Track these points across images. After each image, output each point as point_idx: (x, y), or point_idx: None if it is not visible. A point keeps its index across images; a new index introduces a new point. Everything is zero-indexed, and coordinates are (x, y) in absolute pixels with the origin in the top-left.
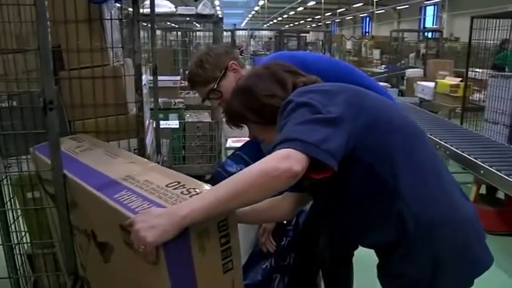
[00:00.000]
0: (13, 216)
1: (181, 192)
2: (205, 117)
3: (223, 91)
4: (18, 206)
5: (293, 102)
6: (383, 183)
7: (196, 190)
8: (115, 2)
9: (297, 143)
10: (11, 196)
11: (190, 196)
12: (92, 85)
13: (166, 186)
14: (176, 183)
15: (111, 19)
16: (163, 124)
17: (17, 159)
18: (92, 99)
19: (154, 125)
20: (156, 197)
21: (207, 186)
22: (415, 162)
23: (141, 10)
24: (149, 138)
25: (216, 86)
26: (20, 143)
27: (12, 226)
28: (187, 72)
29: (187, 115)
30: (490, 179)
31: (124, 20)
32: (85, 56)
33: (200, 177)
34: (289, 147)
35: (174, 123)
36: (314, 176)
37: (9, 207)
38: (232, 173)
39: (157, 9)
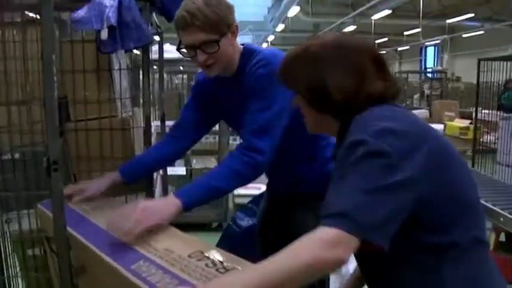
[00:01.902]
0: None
1: (206, 265)
2: (212, 162)
3: (220, 50)
4: (17, 263)
5: (365, 145)
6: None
7: (223, 263)
8: (125, 51)
9: (352, 224)
10: (10, 252)
11: (217, 269)
12: (99, 137)
13: (189, 256)
14: (199, 253)
15: (120, 69)
16: (169, 171)
17: (18, 214)
18: (99, 151)
19: (161, 172)
20: (179, 270)
21: (231, 256)
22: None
23: None
24: (158, 191)
25: (218, 39)
26: (21, 196)
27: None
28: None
29: (194, 160)
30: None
31: (131, 65)
32: (92, 107)
33: (206, 225)
34: (341, 228)
35: (180, 170)
36: (361, 248)
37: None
38: (244, 227)
39: (166, 55)
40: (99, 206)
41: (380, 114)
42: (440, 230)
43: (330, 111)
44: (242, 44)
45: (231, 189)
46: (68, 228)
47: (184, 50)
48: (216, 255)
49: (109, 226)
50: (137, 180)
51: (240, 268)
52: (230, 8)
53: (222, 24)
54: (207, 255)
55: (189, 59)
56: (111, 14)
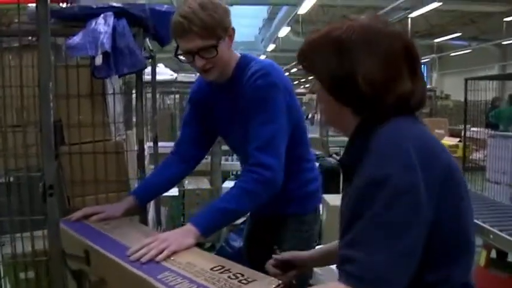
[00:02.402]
0: None
1: (229, 277)
2: (205, 183)
3: (218, 55)
4: (8, 287)
5: (389, 185)
6: None
7: (245, 276)
8: (119, 76)
9: (368, 284)
10: (2, 276)
11: (239, 281)
12: (93, 160)
13: (211, 269)
14: (220, 266)
15: (114, 93)
16: None
17: (11, 237)
18: (93, 175)
19: None
20: (203, 279)
21: (251, 270)
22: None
23: None
24: (151, 214)
25: (216, 45)
26: (15, 220)
27: None
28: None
29: (186, 181)
30: (502, 244)
31: (124, 87)
32: (86, 131)
33: (200, 245)
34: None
35: (173, 191)
36: None
37: None
38: (237, 248)
39: (158, 77)
40: (118, 226)
41: (408, 135)
42: (436, 268)
43: (352, 103)
44: (240, 53)
45: (246, 210)
46: (89, 242)
47: (182, 57)
48: (237, 269)
49: (131, 256)
50: (150, 201)
51: (259, 280)
52: (227, 12)
53: (219, 28)
54: (228, 268)
55: (188, 66)
56: (106, 40)
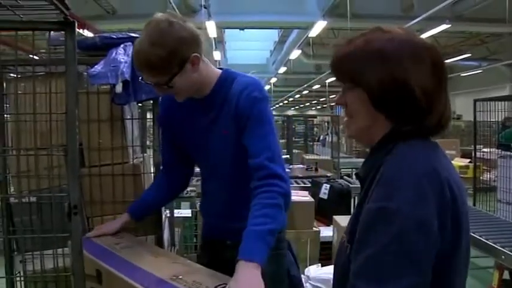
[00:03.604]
0: None
1: None
2: None
3: (175, 86)
4: None
5: (402, 216)
6: None
7: None
8: (137, 103)
9: None
10: None
11: None
12: (112, 182)
13: (216, 287)
14: (224, 284)
15: (132, 118)
16: (175, 213)
17: (32, 255)
18: (112, 196)
19: (168, 214)
20: None
21: None
22: None
23: None
24: (166, 234)
25: (168, 82)
26: (37, 238)
27: None
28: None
29: (199, 202)
30: None
31: (140, 110)
32: (106, 154)
33: None
34: None
35: (186, 212)
36: None
37: None
38: None
39: None
40: (129, 246)
41: (419, 161)
42: None
43: (399, 113)
44: (221, 68)
45: (281, 224)
46: (100, 262)
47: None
48: None
49: None
50: (145, 218)
51: None
52: (183, 41)
53: (169, 65)
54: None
55: None
56: (125, 70)
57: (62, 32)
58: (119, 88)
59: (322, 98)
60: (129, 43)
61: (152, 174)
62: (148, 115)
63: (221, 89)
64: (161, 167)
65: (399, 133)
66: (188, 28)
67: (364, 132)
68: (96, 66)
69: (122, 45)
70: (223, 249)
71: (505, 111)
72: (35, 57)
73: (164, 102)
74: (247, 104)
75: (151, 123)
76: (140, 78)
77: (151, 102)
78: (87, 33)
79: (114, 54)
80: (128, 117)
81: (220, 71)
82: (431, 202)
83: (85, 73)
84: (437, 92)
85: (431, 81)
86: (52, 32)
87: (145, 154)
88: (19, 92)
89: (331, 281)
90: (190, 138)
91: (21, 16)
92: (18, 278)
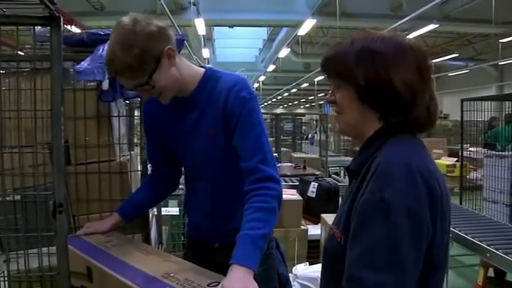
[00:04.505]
0: None
1: None
2: None
3: (157, 84)
4: None
5: (396, 206)
6: None
7: None
8: (124, 100)
9: None
10: None
11: None
12: (98, 180)
13: (208, 285)
14: (217, 282)
15: (119, 116)
16: (163, 211)
17: (17, 254)
18: (98, 194)
19: (155, 212)
20: None
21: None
22: None
23: None
24: (153, 232)
25: (148, 80)
26: (21, 237)
27: None
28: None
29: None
30: (498, 262)
31: (127, 108)
32: (92, 152)
33: None
34: None
35: (174, 210)
36: None
37: None
38: None
39: None
40: (120, 244)
41: (411, 156)
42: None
43: (385, 108)
44: (202, 66)
45: (273, 227)
46: (91, 260)
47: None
48: None
49: None
50: (136, 218)
51: None
52: (152, 37)
53: (146, 61)
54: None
55: None
56: None
57: (48, 28)
58: (105, 85)
59: (310, 96)
60: None
61: (139, 172)
62: (136, 112)
63: (205, 87)
64: (149, 167)
65: (389, 129)
66: (154, 23)
67: (354, 128)
68: (82, 63)
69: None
70: (210, 251)
71: (491, 111)
72: (20, 52)
73: (147, 105)
74: (236, 103)
75: (139, 121)
76: (120, 85)
77: (139, 99)
78: (75, 30)
79: (101, 50)
80: (115, 114)
81: (203, 69)
82: (424, 194)
83: (71, 69)
84: (420, 85)
85: (414, 76)
86: (38, 27)
87: (132, 152)
88: (3, 88)
89: (319, 280)
90: (174, 138)
91: (5, 10)
92: (1, 278)
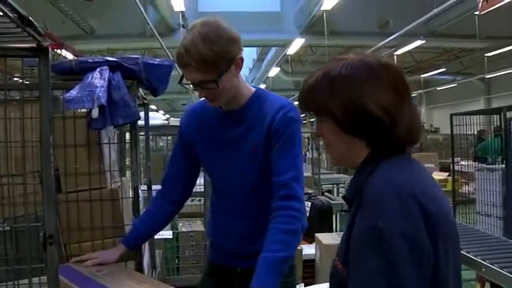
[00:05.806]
0: None
1: None
2: (198, 225)
3: (221, 86)
4: None
5: (391, 234)
6: None
7: None
8: (114, 127)
9: None
10: None
11: None
12: (90, 208)
13: None
14: None
15: (109, 143)
16: (156, 235)
17: (6, 286)
18: (89, 222)
19: None
20: None
21: None
22: None
23: None
24: (147, 258)
25: (217, 79)
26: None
27: None
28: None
29: (180, 223)
30: (493, 276)
31: (118, 132)
32: (83, 179)
33: None
34: None
35: (167, 234)
36: None
37: None
38: None
39: (151, 122)
40: (111, 273)
41: (400, 178)
42: None
43: (367, 134)
44: (254, 87)
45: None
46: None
47: (187, 85)
48: None
49: None
50: (140, 246)
51: None
52: (232, 41)
53: (221, 61)
54: None
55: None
56: (101, 94)
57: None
58: (95, 113)
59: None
60: (105, 67)
61: (131, 199)
62: (127, 136)
63: (253, 105)
64: (154, 195)
65: (377, 153)
66: (234, 30)
67: (345, 157)
68: (71, 91)
69: (98, 69)
70: (232, 276)
71: (480, 124)
72: (9, 82)
73: (189, 114)
74: (283, 122)
75: (129, 146)
76: (181, 81)
77: (130, 126)
78: (66, 53)
79: (90, 78)
80: (105, 141)
81: (254, 88)
82: (417, 216)
83: (61, 97)
84: (398, 105)
85: (390, 96)
86: None
87: (123, 178)
88: None
89: None
90: (212, 150)
91: None
92: None
